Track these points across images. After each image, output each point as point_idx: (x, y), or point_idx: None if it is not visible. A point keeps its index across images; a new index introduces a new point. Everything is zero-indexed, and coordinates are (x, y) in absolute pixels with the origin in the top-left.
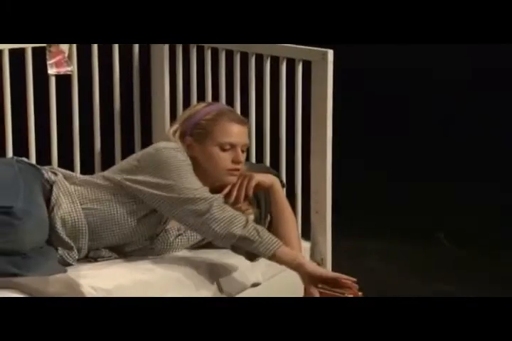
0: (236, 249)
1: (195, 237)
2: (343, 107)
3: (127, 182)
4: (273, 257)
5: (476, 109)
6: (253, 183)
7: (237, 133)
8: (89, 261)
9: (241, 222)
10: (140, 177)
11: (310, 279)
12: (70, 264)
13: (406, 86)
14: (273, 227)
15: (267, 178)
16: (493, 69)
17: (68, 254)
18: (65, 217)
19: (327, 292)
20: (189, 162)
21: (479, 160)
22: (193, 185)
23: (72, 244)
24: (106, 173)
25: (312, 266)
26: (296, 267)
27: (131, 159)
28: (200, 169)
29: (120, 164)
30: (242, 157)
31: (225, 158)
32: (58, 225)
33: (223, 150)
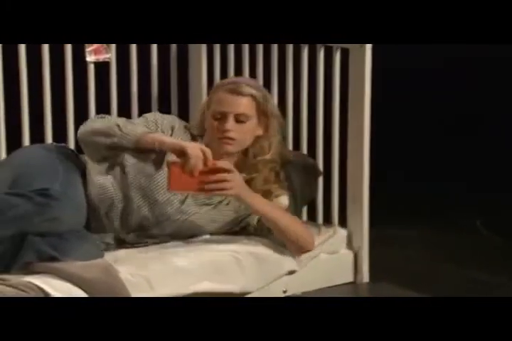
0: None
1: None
2: (380, 96)
3: None
4: (137, 146)
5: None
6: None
7: (228, 102)
8: (126, 247)
9: (103, 119)
10: None
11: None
12: (106, 249)
13: (444, 84)
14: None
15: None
16: None
17: (105, 238)
18: (100, 196)
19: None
20: (159, 127)
21: None
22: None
23: (108, 226)
24: None
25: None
26: (158, 146)
27: None
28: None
29: None
30: (233, 126)
31: (215, 127)
32: (95, 204)
33: (215, 119)
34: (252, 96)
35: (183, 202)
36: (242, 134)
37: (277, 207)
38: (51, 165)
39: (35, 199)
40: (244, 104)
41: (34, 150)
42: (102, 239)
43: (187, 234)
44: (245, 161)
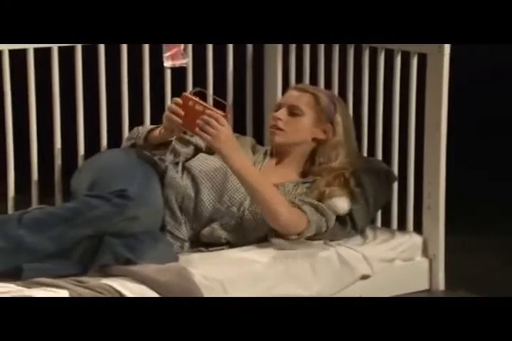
0: None
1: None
2: (457, 101)
3: None
4: (149, 143)
5: None
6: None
7: (288, 95)
8: (201, 251)
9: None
10: None
11: None
12: (181, 248)
13: None
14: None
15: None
16: None
17: (179, 233)
18: (172, 190)
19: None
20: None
21: None
22: None
23: (181, 219)
24: None
25: None
26: (164, 134)
27: None
28: None
29: None
30: (285, 116)
31: (270, 118)
32: (168, 198)
33: (274, 111)
34: (314, 95)
35: None
36: (292, 128)
37: (263, 179)
38: (129, 168)
39: (113, 201)
40: (300, 98)
41: (113, 154)
42: (176, 236)
43: (252, 227)
44: (311, 169)
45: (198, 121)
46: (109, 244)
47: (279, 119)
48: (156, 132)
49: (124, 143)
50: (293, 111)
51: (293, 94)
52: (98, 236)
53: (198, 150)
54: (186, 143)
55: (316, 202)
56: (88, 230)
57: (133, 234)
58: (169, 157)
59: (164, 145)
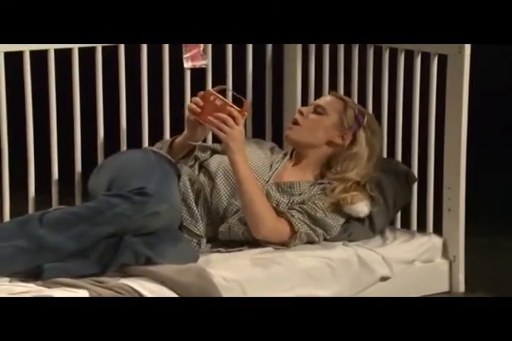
0: None
1: None
2: (477, 103)
3: None
4: (174, 148)
5: None
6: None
7: (320, 98)
8: (219, 251)
9: None
10: None
11: None
12: (198, 245)
13: None
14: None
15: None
16: None
17: (196, 230)
18: (189, 186)
19: None
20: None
21: None
22: None
23: (198, 215)
24: None
25: None
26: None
27: None
28: None
29: None
30: (307, 112)
31: None
32: (185, 194)
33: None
34: (344, 102)
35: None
36: (310, 124)
37: (257, 184)
38: (147, 167)
39: (133, 199)
40: (330, 101)
41: (131, 154)
42: (193, 232)
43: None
44: (327, 173)
45: (216, 114)
46: (128, 243)
47: (301, 113)
48: (179, 137)
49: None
50: (317, 110)
51: (326, 97)
52: (118, 235)
53: (214, 153)
54: (205, 149)
55: (314, 215)
56: (109, 228)
57: (153, 231)
58: (190, 163)
59: (188, 156)
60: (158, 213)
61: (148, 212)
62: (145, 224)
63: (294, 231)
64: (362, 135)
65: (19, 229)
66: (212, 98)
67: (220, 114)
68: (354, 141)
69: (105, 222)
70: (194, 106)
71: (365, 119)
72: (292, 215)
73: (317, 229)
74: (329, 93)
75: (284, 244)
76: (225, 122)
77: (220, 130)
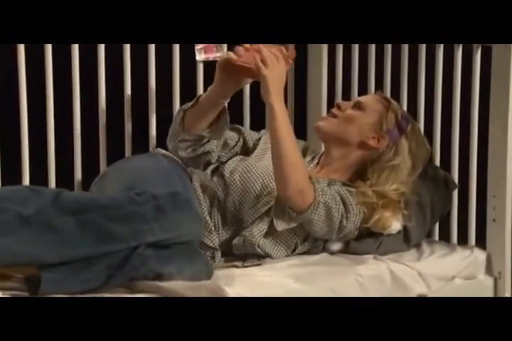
0: None
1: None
2: None
3: None
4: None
5: None
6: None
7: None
8: (235, 266)
9: None
10: None
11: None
12: (212, 258)
13: None
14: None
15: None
16: None
17: (210, 242)
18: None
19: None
20: None
21: None
22: None
23: (211, 225)
24: None
25: None
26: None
27: None
28: None
29: None
30: (346, 107)
31: None
32: (202, 213)
33: None
34: (386, 100)
35: None
36: (346, 118)
37: (293, 137)
38: (166, 172)
39: (159, 201)
40: (373, 100)
41: (143, 159)
42: (207, 244)
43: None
44: (358, 184)
45: (258, 50)
46: (140, 256)
47: (339, 107)
48: (204, 94)
49: (176, 116)
50: (357, 106)
51: (370, 95)
52: (131, 245)
53: (245, 147)
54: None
55: (342, 194)
56: (123, 228)
57: (170, 244)
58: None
59: (215, 123)
60: (182, 229)
61: (171, 224)
62: (163, 235)
63: (314, 198)
64: (404, 144)
65: (33, 194)
66: (255, 46)
67: (263, 49)
68: (396, 150)
69: (119, 216)
70: (234, 56)
71: (409, 127)
72: (318, 182)
73: (340, 206)
74: (375, 92)
75: (300, 212)
76: (267, 59)
77: (263, 63)
